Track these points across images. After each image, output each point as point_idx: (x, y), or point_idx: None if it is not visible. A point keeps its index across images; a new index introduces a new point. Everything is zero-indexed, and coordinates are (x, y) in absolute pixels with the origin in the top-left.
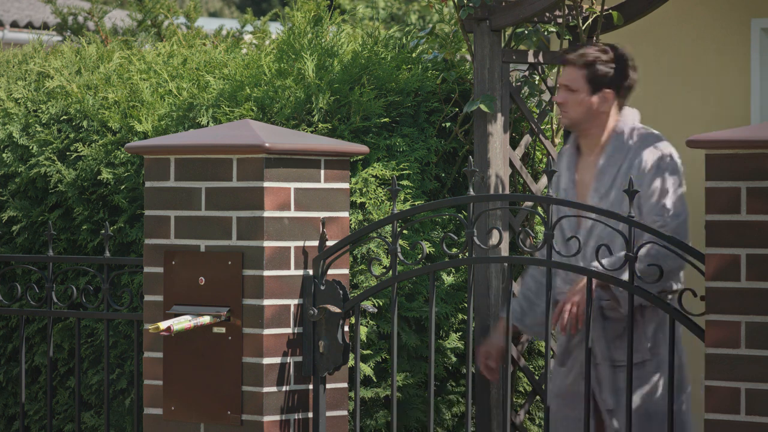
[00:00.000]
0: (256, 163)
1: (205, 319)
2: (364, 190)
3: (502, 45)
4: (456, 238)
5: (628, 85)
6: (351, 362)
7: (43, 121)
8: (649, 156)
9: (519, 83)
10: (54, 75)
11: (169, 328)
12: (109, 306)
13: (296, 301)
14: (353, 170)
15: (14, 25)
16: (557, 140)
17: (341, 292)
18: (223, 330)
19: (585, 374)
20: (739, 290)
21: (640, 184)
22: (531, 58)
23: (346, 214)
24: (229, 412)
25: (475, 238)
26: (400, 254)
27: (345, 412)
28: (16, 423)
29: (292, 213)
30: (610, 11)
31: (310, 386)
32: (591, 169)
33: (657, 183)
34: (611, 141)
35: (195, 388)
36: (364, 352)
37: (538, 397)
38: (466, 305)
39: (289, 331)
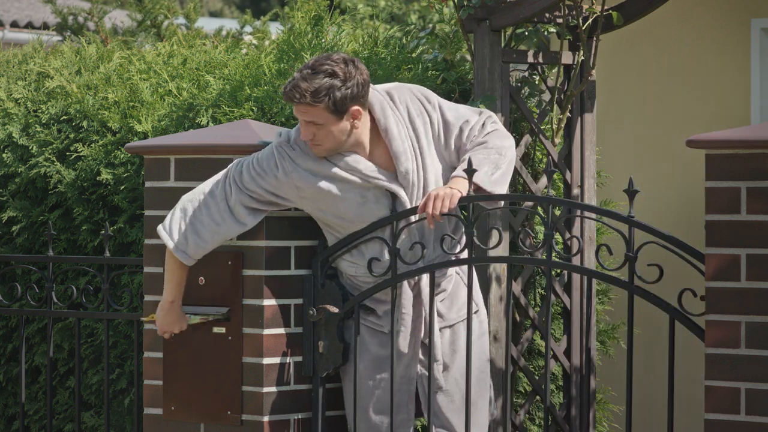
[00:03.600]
0: None
1: (204, 319)
2: None
3: (502, 45)
4: (455, 237)
5: (366, 86)
6: None
7: (43, 122)
8: (417, 105)
9: (519, 83)
10: (54, 75)
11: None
12: (109, 306)
13: (296, 301)
14: None
15: (14, 25)
16: (557, 140)
17: (341, 292)
18: (223, 330)
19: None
20: (739, 290)
21: (438, 132)
22: (531, 59)
23: None
24: (229, 412)
25: (475, 238)
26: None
27: (345, 412)
28: (16, 423)
29: (292, 213)
30: (610, 11)
31: (310, 386)
32: (374, 160)
33: (448, 115)
34: (387, 124)
35: (195, 388)
36: None
37: (538, 397)
38: None
39: (289, 331)
